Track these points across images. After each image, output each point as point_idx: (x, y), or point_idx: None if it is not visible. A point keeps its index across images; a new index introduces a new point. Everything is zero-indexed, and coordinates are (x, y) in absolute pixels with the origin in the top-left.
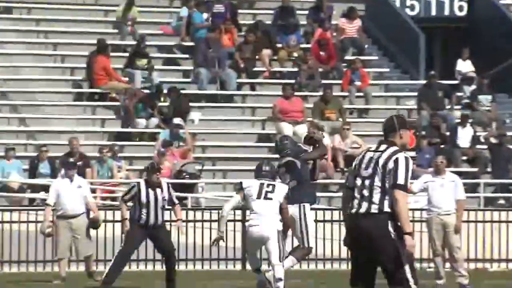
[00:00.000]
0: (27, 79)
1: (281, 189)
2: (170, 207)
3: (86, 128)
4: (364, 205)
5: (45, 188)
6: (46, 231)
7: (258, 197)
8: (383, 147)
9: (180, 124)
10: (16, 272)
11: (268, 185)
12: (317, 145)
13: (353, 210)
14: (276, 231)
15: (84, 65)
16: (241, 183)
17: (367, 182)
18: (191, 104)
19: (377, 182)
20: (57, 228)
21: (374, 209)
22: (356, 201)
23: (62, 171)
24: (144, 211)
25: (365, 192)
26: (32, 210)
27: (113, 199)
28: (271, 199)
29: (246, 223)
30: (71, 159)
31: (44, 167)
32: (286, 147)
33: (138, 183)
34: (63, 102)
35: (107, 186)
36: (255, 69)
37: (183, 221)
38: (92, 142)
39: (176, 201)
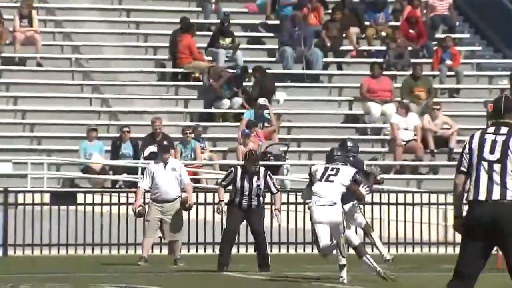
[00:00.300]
0: (109, 59)
1: (346, 172)
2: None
3: (169, 109)
4: (496, 191)
5: (127, 170)
6: (137, 209)
7: (320, 179)
8: (504, 129)
9: (265, 104)
10: (98, 255)
11: (332, 169)
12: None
13: (481, 197)
14: (342, 215)
15: (167, 44)
16: (310, 169)
17: (496, 167)
18: (276, 84)
19: (510, 167)
20: (149, 209)
21: (510, 196)
22: (483, 187)
23: (146, 153)
24: (238, 195)
25: (496, 178)
26: (114, 192)
27: (197, 181)
28: (332, 181)
29: (310, 206)
30: (165, 142)
31: (126, 148)
32: (352, 151)
33: (236, 168)
34: (146, 82)
35: (191, 168)
36: (342, 47)
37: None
38: (175, 123)
39: (275, 190)
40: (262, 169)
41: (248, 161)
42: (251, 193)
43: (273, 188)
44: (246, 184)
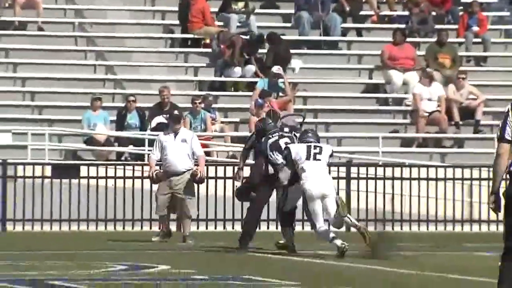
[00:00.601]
0: (115, 23)
1: (327, 150)
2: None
3: (178, 77)
4: None
5: (133, 141)
6: (154, 173)
7: (308, 158)
8: None
9: (279, 72)
10: (103, 231)
11: (315, 147)
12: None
13: None
14: (334, 189)
15: (177, 8)
16: (288, 148)
17: None
18: (291, 51)
19: None
20: (159, 184)
21: None
22: None
23: (153, 124)
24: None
25: None
26: (119, 164)
27: (207, 153)
28: (319, 160)
29: (302, 184)
30: (176, 112)
31: (132, 119)
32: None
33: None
34: (154, 48)
35: (201, 140)
36: (362, 12)
37: None
38: (184, 92)
39: None
40: (286, 129)
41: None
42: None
43: None
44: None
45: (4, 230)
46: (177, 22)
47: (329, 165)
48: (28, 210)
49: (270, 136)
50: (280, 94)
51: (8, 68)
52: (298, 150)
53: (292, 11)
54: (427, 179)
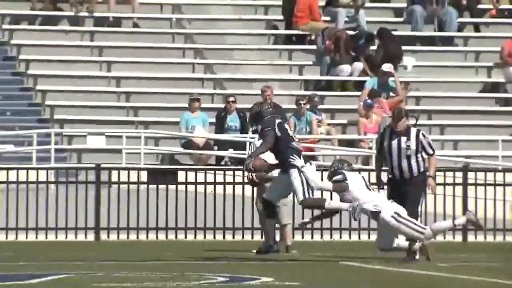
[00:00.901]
0: (214, 19)
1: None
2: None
3: (281, 76)
4: None
5: (234, 145)
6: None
7: (368, 188)
8: None
9: (390, 71)
10: (201, 240)
11: (367, 180)
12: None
13: None
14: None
15: (280, 2)
16: (344, 174)
17: None
18: (403, 47)
19: None
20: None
21: None
22: None
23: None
24: (388, 161)
25: None
26: (219, 169)
27: (312, 157)
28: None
29: (375, 207)
30: None
31: (232, 120)
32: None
33: (384, 129)
34: (256, 46)
35: (306, 143)
36: (480, 6)
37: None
38: (288, 92)
39: (430, 151)
40: (414, 130)
41: (393, 118)
42: (400, 156)
43: (428, 149)
44: (394, 146)
45: (98, 239)
46: (281, 17)
47: (445, 170)
48: (122, 217)
49: (273, 116)
50: (391, 94)
51: (102, 67)
52: (355, 180)
53: (405, 4)
54: None
